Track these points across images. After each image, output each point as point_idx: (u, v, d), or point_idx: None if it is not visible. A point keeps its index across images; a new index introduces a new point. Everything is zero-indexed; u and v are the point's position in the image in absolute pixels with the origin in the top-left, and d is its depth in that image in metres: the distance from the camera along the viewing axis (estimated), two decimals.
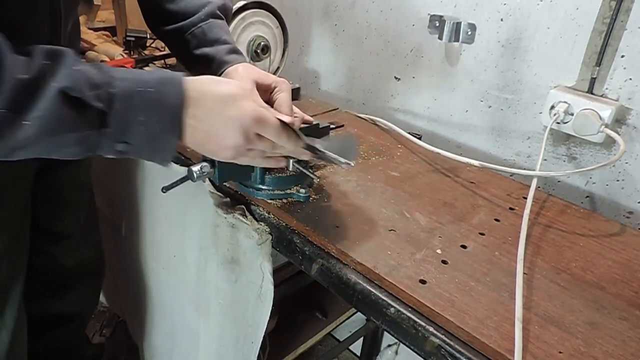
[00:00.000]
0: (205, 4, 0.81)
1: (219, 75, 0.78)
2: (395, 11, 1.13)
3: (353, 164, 0.66)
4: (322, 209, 0.74)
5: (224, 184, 0.80)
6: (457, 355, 0.53)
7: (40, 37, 0.69)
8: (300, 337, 1.16)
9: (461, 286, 0.60)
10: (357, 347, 1.49)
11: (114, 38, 1.43)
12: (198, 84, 0.55)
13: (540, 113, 0.94)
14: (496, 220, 0.76)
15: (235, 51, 0.80)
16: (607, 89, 0.86)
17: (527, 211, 0.74)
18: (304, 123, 0.76)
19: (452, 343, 0.54)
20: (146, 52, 1.33)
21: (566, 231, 0.75)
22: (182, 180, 0.68)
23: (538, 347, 0.52)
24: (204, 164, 0.65)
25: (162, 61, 1.26)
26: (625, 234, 0.75)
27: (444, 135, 1.13)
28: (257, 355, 0.86)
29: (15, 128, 0.46)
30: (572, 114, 0.87)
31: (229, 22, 0.88)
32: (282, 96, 0.72)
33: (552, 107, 0.89)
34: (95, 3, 1.48)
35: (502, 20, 0.96)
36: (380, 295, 0.60)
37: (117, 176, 1.15)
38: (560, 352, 0.52)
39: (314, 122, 0.80)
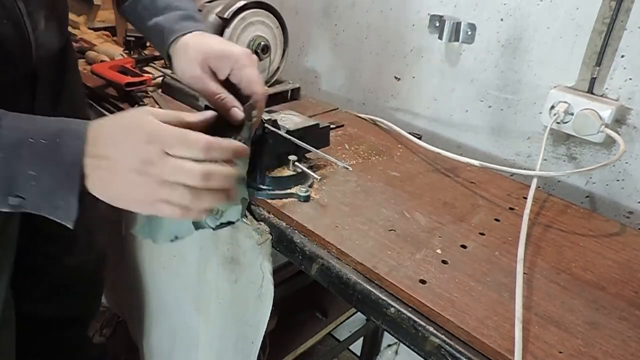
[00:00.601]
0: None
1: (168, 50, 0.70)
2: (395, 11, 1.13)
3: (350, 168, 0.65)
4: (322, 209, 0.74)
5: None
6: (457, 355, 0.53)
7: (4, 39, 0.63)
8: (300, 337, 1.16)
9: (461, 286, 0.60)
10: (357, 347, 1.49)
11: (114, 38, 1.43)
12: (98, 122, 0.49)
13: (540, 113, 0.94)
14: (496, 220, 0.76)
15: (189, 17, 0.71)
16: (607, 88, 0.86)
17: (527, 211, 0.74)
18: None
19: (452, 343, 0.54)
20: (146, 52, 1.33)
21: (566, 231, 0.75)
22: None
23: (538, 347, 0.52)
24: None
25: (162, 61, 1.26)
26: (625, 234, 0.75)
27: (444, 135, 1.13)
28: (257, 355, 0.86)
29: None
30: (572, 114, 0.87)
31: None
32: (250, 72, 0.64)
33: (552, 107, 0.89)
34: (95, 3, 1.48)
35: (502, 20, 0.96)
36: (380, 295, 0.60)
37: None
38: (560, 352, 0.52)
39: (314, 122, 0.80)
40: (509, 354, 0.51)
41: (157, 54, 1.29)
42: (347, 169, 0.74)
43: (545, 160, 0.97)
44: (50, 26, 0.72)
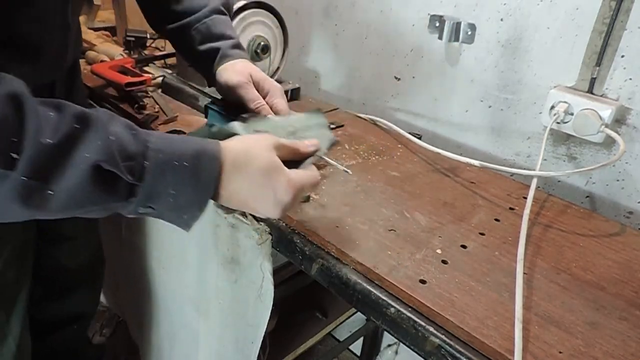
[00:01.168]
0: (209, 1, 0.83)
1: (217, 68, 0.80)
2: (395, 11, 1.13)
3: (350, 172, 0.72)
4: (322, 208, 0.74)
5: None
6: (457, 355, 0.53)
7: (51, 52, 0.69)
8: (300, 337, 1.16)
9: (461, 286, 0.60)
10: (357, 347, 1.49)
11: (114, 38, 1.43)
12: (233, 155, 0.53)
13: (540, 113, 0.94)
14: (496, 220, 0.76)
15: (239, 46, 0.82)
16: (607, 89, 0.86)
17: (527, 211, 0.74)
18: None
19: (452, 343, 0.54)
20: (146, 52, 1.33)
21: (566, 231, 0.75)
22: None
23: (538, 347, 0.52)
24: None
25: (162, 61, 1.27)
26: (625, 234, 0.75)
27: (444, 135, 1.13)
28: (257, 355, 0.86)
29: (37, 197, 0.42)
30: (572, 114, 0.87)
31: (231, 18, 0.90)
32: (280, 102, 0.76)
33: (552, 107, 0.89)
34: (95, 3, 1.48)
35: (502, 20, 0.96)
36: (380, 295, 0.60)
37: None
38: (560, 352, 0.52)
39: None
40: (509, 354, 0.51)
41: (157, 54, 1.29)
42: (347, 172, 0.75)
43: (545, 160, 0.97)
44: (78, 33, 0.80)
